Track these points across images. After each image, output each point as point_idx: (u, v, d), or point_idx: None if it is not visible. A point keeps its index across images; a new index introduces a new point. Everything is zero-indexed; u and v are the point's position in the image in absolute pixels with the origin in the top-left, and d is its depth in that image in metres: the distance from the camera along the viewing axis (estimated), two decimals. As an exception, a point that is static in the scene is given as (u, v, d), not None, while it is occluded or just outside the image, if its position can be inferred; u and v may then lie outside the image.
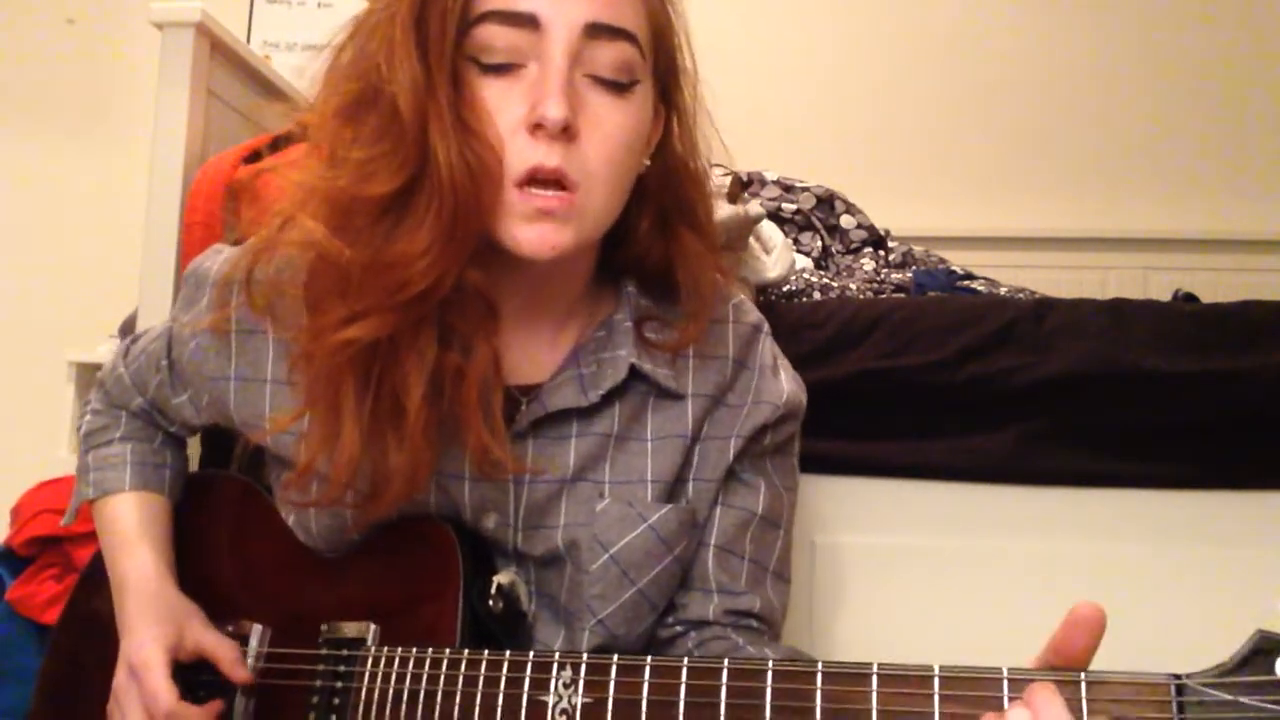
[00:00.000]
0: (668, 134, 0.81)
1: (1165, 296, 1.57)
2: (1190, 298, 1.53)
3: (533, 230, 0.71)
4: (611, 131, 0.73)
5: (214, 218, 1.35)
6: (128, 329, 1.60)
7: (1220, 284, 2.31)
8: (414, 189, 0.69)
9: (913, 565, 1.15)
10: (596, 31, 0.71)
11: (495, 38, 0.70)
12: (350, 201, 0.70)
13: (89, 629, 0.94)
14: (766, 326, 0.88)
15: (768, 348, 0.87)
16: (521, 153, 0.70)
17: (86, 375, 2.04)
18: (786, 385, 0.86)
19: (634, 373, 0.81)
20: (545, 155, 0.69)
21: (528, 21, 0.70)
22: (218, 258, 0.89)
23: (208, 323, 0.85)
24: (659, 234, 0.81)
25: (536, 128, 0.69)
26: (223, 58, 1.48)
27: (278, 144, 1.46)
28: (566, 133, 0.70)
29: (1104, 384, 1.14)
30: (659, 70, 0.78)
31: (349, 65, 0.73)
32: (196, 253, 1.32)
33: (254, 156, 1.42)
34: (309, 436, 0.76)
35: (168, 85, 1.39)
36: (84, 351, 2.03)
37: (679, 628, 0.83)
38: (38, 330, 2.83)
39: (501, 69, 0.71)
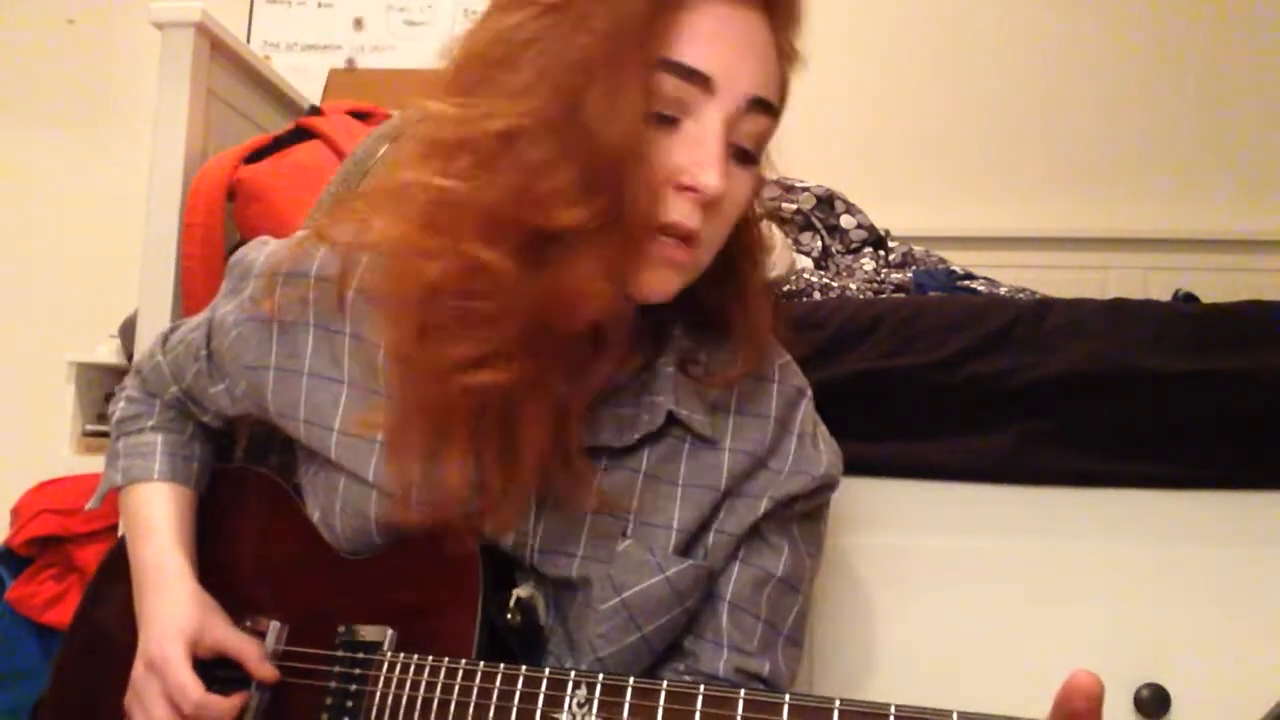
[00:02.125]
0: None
1: (1165, 296, 1.57)
2: (1190, 298, 1.53)
3: (656, 275, 0.71)
4: (737, 201, 0.74)
5: (214, 218, 1.35)
6: (128, 329, 1.60)
7: (1220, 284, 2.30)
8: (594, 227, 0.66)
9: (913, 565, 1.15)
10: (755, 105, 0.72)
11: (666, 88, 0.69)
12: (508, 220, 0.67)
13: (107, 618, 0.95)
14: (810, 392, 0.88)
15: (809, 414, 0.86)
16: (665, 206, 0.69)
17: (86, 375, 2.04)
18: (826, 457, 0.85)
19: (671, 418, 0.80)
20: (687, 215, 0.70)
21: (701, 80, 0.69)
22: (264, 248, 0.90)
23: (250, 311, 0.86)
24: (721, 275, 0.80)
25: (689, 189, 0.69)
26: (223, 58, 1.48)
27: (279, 144, 1.46)
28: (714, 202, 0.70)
29: (1104, 384, 1.14)
30: None
31: (533, 84, 0.68)
32: (196, 253, 1.34)
33: (254, 156, 1.42)
34: (402, 455, 0.76)
35: (168, 85, 1.39)
36: (84, 351, 2.03)
37: (688, 677, 0.82)
38: (38, 330, 2.83)
39: (666, 120, 0.70)
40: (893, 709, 0.57)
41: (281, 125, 1.56)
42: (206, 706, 0.81)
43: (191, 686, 0.81)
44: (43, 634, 1.50)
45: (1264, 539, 1.10)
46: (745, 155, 0.73)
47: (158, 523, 0.91)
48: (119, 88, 2.99)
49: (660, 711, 0.64)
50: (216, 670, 0.85)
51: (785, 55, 0.77)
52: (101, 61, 3.05)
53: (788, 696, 0.61)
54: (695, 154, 0.69)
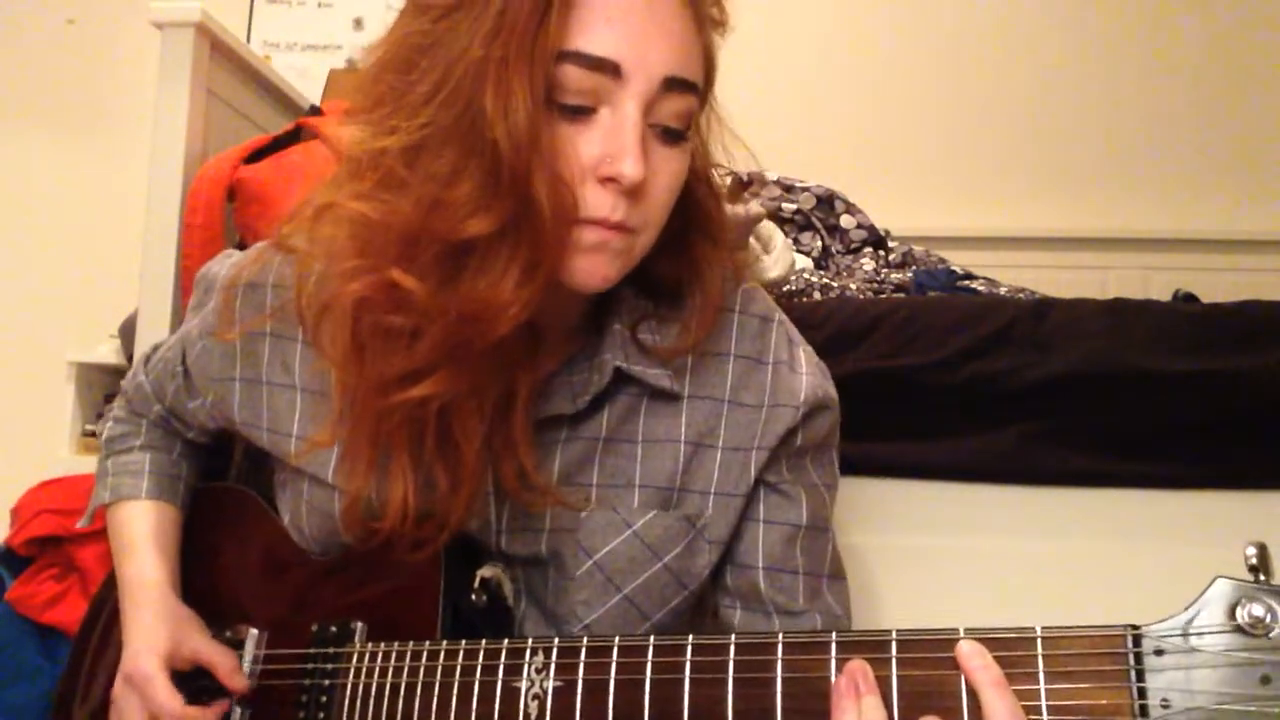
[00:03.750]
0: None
1: (1165, 296, 1.57)
2: (1190, 298, 1.53)
3: (588, 261, 0.70)
4: (668, 180, 0.72)
5: (214, 218, 1.35)
6: (128, 329, 1.60)
7: (1220, 284, 2.31)
8: (505, 232, 0.66)
9: (913, 565, 1.15)
10: (671, 85, 0.70)
11: (573, 79, 0.67)
12: (422, 236, 0.66)
13: (104, 633, 0.96)
14: (779, 316, 0.84)
15: (781, 339, 0.83)
16: (588, 200, 0.68)
17: (86, 375, 2.03)
18: (806, 379, 0.81)
19: (622, 375, 0.79)
20: (612, 208, 0.68)
21: (610, 69, 0.67)
22: (226, 262, 0.91)
23: (213, 325, 0.87)
24: (674, 247, 0.80)
25: (610, 180, 0.68)
26: (223, 58, 1.48)
27: (279, 144, 1.46)
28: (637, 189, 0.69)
29: (1104, 384, 1.14)
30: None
31: (431, 93, 0.67)
32: (196, 253, 1.34)
33: (254, 157, 1.42)
34: (352, 465, 0.76)
35: (168, 85, 1.39)
36: (84, 351, 2.03)
37: None
38: (38, 330, 2.83)
39: (577, 112, 0.68)
40: (834, 635, 0.60)
41: (281, 125, 1.56)
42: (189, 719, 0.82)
43: (171, 702, 0.82)
44: (43, 634, 1.50)
45: (1264, 539, 1.10)
46: (671, 134, 0.71)
47: (141, 541, 0.91)
48: (119, 88, 2.99)
49: (614, 666, 0.66)
50: (202, 679, 0.86)
51: (706, 23, 0.75)
52: (101, 61, 3.05)
53: (733, 636, 0.63)
54: (611, 144, 0.68)
